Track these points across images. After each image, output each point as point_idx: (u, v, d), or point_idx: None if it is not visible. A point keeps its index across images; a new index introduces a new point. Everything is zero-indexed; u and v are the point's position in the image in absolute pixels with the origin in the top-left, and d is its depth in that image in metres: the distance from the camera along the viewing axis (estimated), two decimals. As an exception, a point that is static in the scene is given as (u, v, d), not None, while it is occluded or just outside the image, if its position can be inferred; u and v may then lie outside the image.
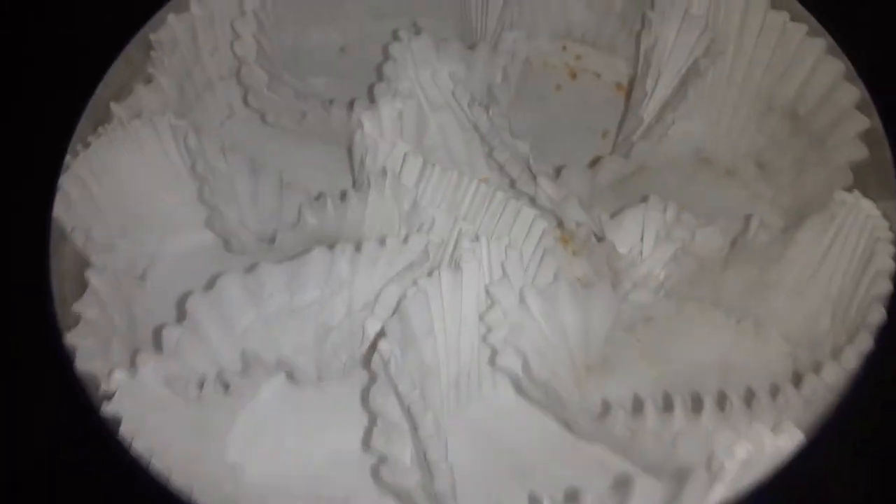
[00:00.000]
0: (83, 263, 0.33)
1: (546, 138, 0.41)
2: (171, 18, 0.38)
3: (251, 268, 0.32)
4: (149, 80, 0.37)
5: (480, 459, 0.32)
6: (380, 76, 0.38)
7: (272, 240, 0.35)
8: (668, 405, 0.29)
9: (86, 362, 0.29)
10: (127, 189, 0.36)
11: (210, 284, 0.31)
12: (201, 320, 0.31)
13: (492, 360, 0.31)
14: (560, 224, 0.36)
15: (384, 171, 0.35)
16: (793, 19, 0.36)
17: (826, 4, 0.36)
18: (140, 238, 0.37)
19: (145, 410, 0.28)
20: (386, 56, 0.38)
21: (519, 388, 0.32)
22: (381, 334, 0.30)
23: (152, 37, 0.37)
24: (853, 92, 0.35)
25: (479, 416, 0.34)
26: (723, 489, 0.24)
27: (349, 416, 0.33)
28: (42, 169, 0.33)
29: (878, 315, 0.28)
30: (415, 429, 0.27)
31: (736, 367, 0.35)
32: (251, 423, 0.34)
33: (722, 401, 0.28)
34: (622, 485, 0.24)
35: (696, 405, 0.28)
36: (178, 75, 0.38)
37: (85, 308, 0.31)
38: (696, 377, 0.35)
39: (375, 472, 0.29)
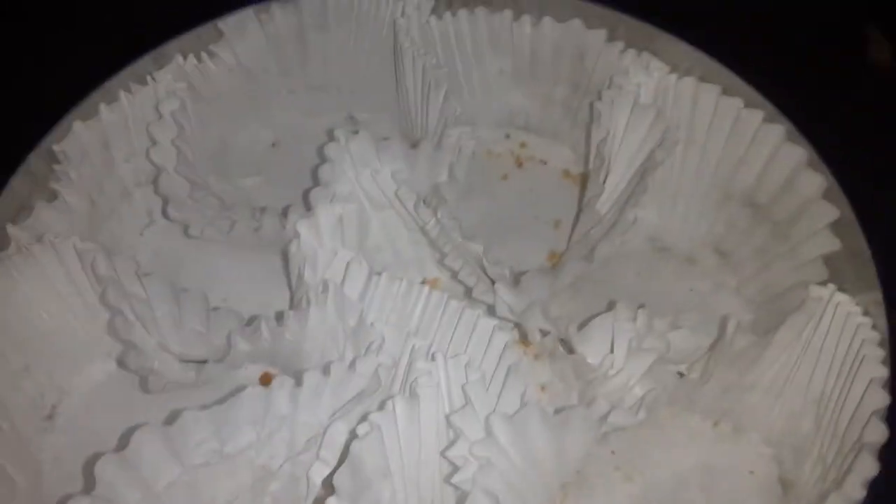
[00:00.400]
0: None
1: (497, 234, 0.40)
2: (78, 126, 0.35)
3: (172, 417, 0.28)
4: (52, 196, 0.35)
5: None
6: (315, 180, 0.35)
7: (201, 363, 0.31)
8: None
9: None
10: (29, 321, 0.33)
11: (123, 442, 0.27)
12: (115, 485, 0.26)
13: (460, 504, 0.27)
14: (522, 335, 0.33)
15: (325, 285, 0.32)
16: (747, 105, 0.36)
17: (788, 87, 0.35)
18: (46, 373, 0.34)
19: None
20: (322, 158, 0.35)
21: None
22: (327, 483, 0.26)
23: (56, 147, 0.35)
24: (817, 179, 0.34)
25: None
26: None
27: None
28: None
29: (879, 434, 0.26)
30: None
31: (717, 473, 0.34)
32: None
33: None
34: None
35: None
36: (87, 188, 0.36)
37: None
38: (677, 488, 0.33)
39: None
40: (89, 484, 0.26)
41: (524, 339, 0.35)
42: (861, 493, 0.25)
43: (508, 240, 0.39)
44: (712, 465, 0.34)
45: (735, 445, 0.34)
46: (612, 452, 0.34)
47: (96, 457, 0.26)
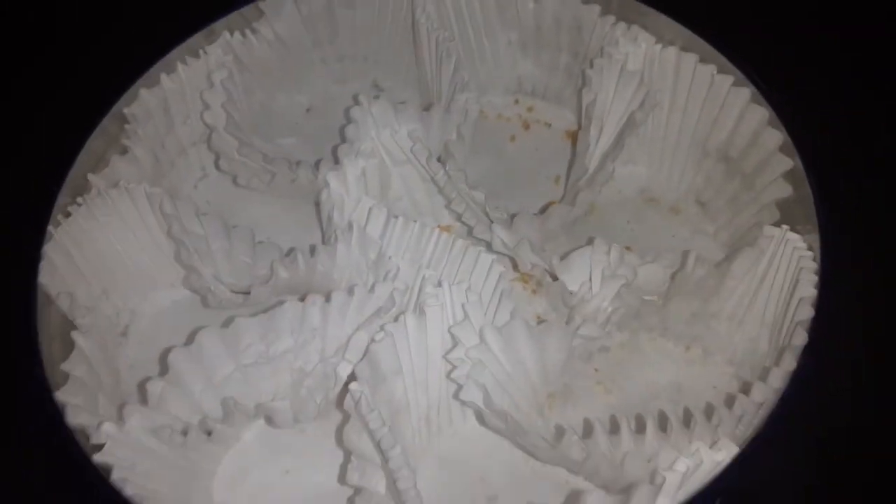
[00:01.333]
0: (68, 325, 0.35)
1: (504, 185, 0.44)
2: (144, 92, 0.40)
3: (228, 322, 0.34)
4: (124, 151, 0.39)
5: (451, 486, 0.35)
6: (343, 138, 0.40)
7: (247, 294, 0.37)
8: (615, 428, 0.31)
9: (75, 417, 0.31)
10: (107, 253, 0.38)
11: (190, 339, 0.33)
12: (183, 372, 0.32)
13: (456, 395, 0.33)
14: (515, 266, 0.38)
15: (350, 226, 0.37)
16: (720, 71, 0.40)
17: (750, 54, 0.39)
18: (121, 298, 0.39)
19: (134, 458, 0.30)
20: (348, 119, 0.40)
21: (481, 419, 0.35)
22: (352, 377, 0.32)
23: (126, 110, 0.40)
24: (776, 136, 0.38)
25: (449, 447, 0.36)
26: (666, 500, 0.26)
27: (326, 455, 0.36)
28: (26, 238, 0.35)
29: (800, 338, 0.31)
30: (385, 461, 0.29)
31: (685, 389, 0.38)
32: (234, 466, 0.36)
33: (663, 422, 0.31)
34: (574, 499, 0.26)
35: (641, 427, 0.31)
36: (151, 145, 0.41)
37: (73, 367, 0.33)
38: (649, 399, 0.38)
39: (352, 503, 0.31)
40: (163, 371, 0.33)
41: (517, 270, 0.40)
42: (781, 383, 0.30)
43: (514, 191, 0.44)
44: (682, 383, 0.38)
45: (703, 367, 0.38)
46: (596, 370, 0.38)
47: (168, 350, 0.33)
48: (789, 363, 0.30)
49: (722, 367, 0.39)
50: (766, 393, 0.30)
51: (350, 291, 0.35)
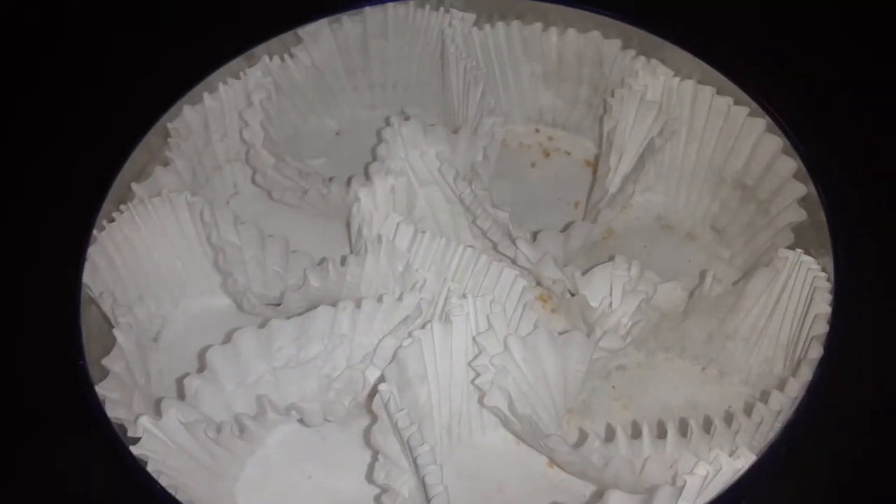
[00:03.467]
0: (106, 324, 0.37)
1: (524, 208, 0.45)
2: (187, 109, 0.42)
3: (263, 323, 0.35)
4: (166, 163, 0.41)
5: (469, 495, 0.35)
6: (374, 156, 0.42)
7: (279, 301, 0.38)
8: (636, 434, 0.32)
9: (114, 410, 0.32)
10: (145, 259, 0.40)
11: (227, 338, 0.34)
12: (219, 370, 0.34)
13: (480, 400, 0.34)
14: (538, 282, 0.40)
15: (379, 238, 0.39)
16: (736, 103, 0.41)
17: (763, 85, 0.41)
18: (155, 303, 0.41)
19: (167, 453, 0.31)
20: (379, 139, 0.42)
21: (505, 424, 0.35)
22: (380, 379, 0.33)
23: (169, 125, 0.41)
24: (790, 163, 0.40)
25: (468, 457, 0.37)
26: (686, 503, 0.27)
27: (349, 461, 0.37)
28: (72, 242, 0.37)
29: (816, 351, 0.32)
30: (413, 459, 0.30)
31: (701, 407, 0.38)
32: (258, 471, 0.36)
33: (684, 429, 0.31)
34: (598, 498, 0.27)
35: (662, 433, 0.32)
36: (191, 159, 0.42)
37: (112, 363, 0.34)
38: (665, 417, 0.38)
39: (378, 503, 0.32)
40: (201, 368, 0.34)
41: (542, 292, 0.42)
42: (798, 392, 0.31)
43: (535, 214, 0.45)
44: (697, 402, 0.39)
45: (719, 387, 0.39)
46: (613, 387, 0.39)
47: (206, 349, 0.34)
48: (806, 374, 0.31)
49: (737, 388, 0.39)
50: (783, 401, 0.31)
51: (379, 300, 0.36)
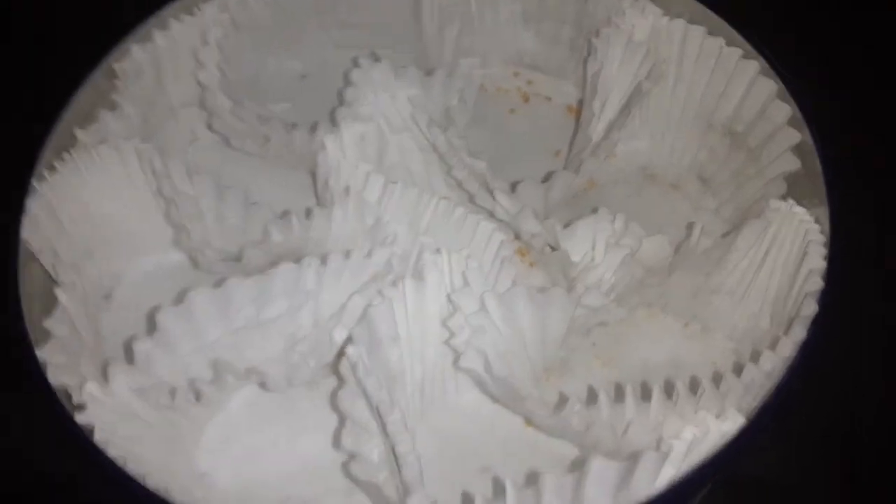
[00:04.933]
0: (50, 283, 0.34)
1: (502, 158, 0.43)
2: (135, 48, 0.39)
3: (219, 283, 0.33)
4: (113, 107, 0.38)
5: (445, 458, 0.34)
6: (341, 101, 0.39)
7: (238, 257, 0.36)
8: (619, 396, 0.30)
9: (57, 376, 0.30)
10: (92, 212, 0.37)
11: (180, 298, 0.32)
12: (171, 333, 0.31)
13: (455, 362, 0.32)
14: (516, 236, 0.38)
15: (347, 190, 0.36)
16: (728, 44, 0.39)
17: (759, 29, 0.39)
18: (105, 259, 0.38)
19: (117, 420, 0.29)
20: (347, 82, 0.39)
21: (482, 387, 0.34)
22: (348, 340, 0.31)
23: (116, 66, 0.38)
24: (785, 109, 0.38)
25: (441, 418, 0.35)
26: (671, 469, 0.25)
27: (317, 423, 0.35)
28: (9, 193, 0.34)
29: (811, 308, 0.30)
30: (383, 425, 0.28)
31: (684, 364, 0.37)
32: (221, 433, 0.35)
33: (669, 390, 0.30)
34: (579, 466, 0.26)
35: (646, 395, 0.30)
36: (141, 103, 0.40)
37: (55, 325, 0.31)
38: (647, 374, 0.37)
39: (346, 469, 0.30)
40: (150, 331, 0.31)
41: (521, 245, 0.40)
42: (790, 352, 0.29)
43: (513, 163, 0.42)
44: (680, 359, 0.37)
45: (702, 343, 0.38)
46: (594, 344, 0.38)
47: (156, 309, 0.31)
48: (799, 333, 0.29)
49: (721, 344, 0.38)
50: (776, 362, 0.29)
51: (346, 255, 0.34)
